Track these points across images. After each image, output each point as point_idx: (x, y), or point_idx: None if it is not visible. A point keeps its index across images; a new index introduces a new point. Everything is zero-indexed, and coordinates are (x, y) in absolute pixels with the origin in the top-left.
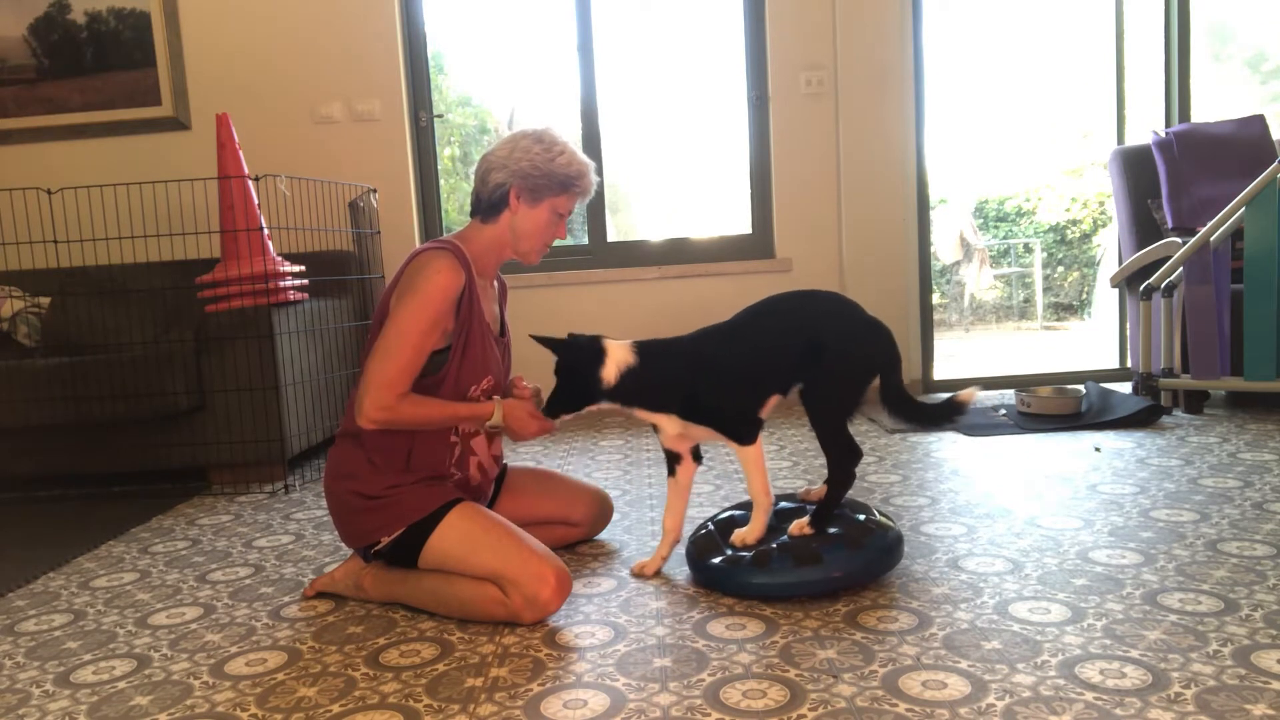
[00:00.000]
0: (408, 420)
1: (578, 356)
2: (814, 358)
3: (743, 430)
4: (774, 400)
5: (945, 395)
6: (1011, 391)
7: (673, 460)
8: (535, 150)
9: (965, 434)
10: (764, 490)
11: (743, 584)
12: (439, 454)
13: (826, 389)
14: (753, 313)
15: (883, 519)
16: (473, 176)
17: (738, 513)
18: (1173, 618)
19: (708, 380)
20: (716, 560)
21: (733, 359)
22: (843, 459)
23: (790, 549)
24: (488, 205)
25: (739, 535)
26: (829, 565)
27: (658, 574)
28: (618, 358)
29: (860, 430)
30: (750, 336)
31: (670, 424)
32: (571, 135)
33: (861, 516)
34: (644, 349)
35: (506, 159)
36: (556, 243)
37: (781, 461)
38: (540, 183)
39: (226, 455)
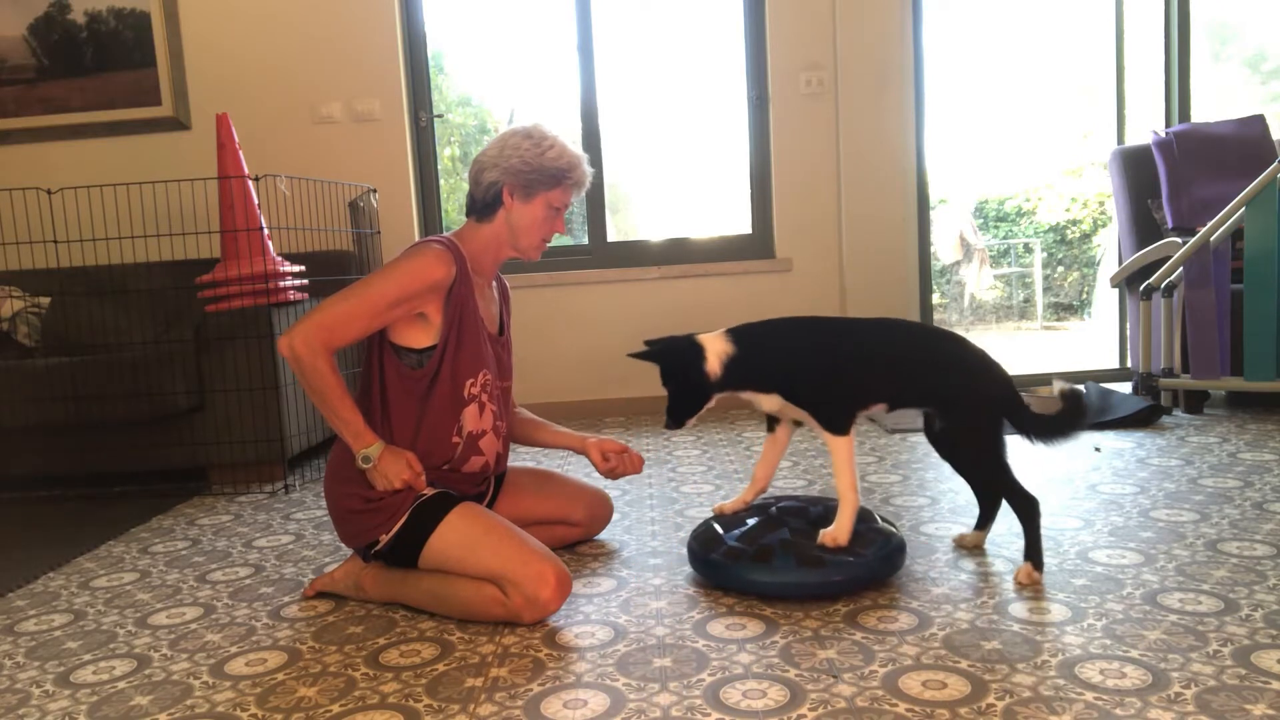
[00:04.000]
0: (311, 378)
1: (680, 359)
2: (941, 391)
3: (835, 420)
4: (880, 407)
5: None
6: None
7: (773, 421)
8: (525, 146)
9: None
10: (851, 486)
11: (744, 580)
12: (441, 453)
13: (972, 433)
14: (875, 322)
15: (885, 525)
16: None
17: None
18: (1173, 618)
19: (811, 368)
20: (715, 556)
21: (843, 354)
22: (1013, 496)
23: (793, 548)
24: (482, 205)
25: (828, 535)
26: (830, 569)
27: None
28: (717, 349)
29: (860, 430)
30: (875, 339)
31: (771, 402)
32: (572, 135)
33: (866, 525)
34: (740, 335)
35: (497, 157)
36: (557, 241)
37: (781, 461)
38: (532, 178)
39: (226, 455)
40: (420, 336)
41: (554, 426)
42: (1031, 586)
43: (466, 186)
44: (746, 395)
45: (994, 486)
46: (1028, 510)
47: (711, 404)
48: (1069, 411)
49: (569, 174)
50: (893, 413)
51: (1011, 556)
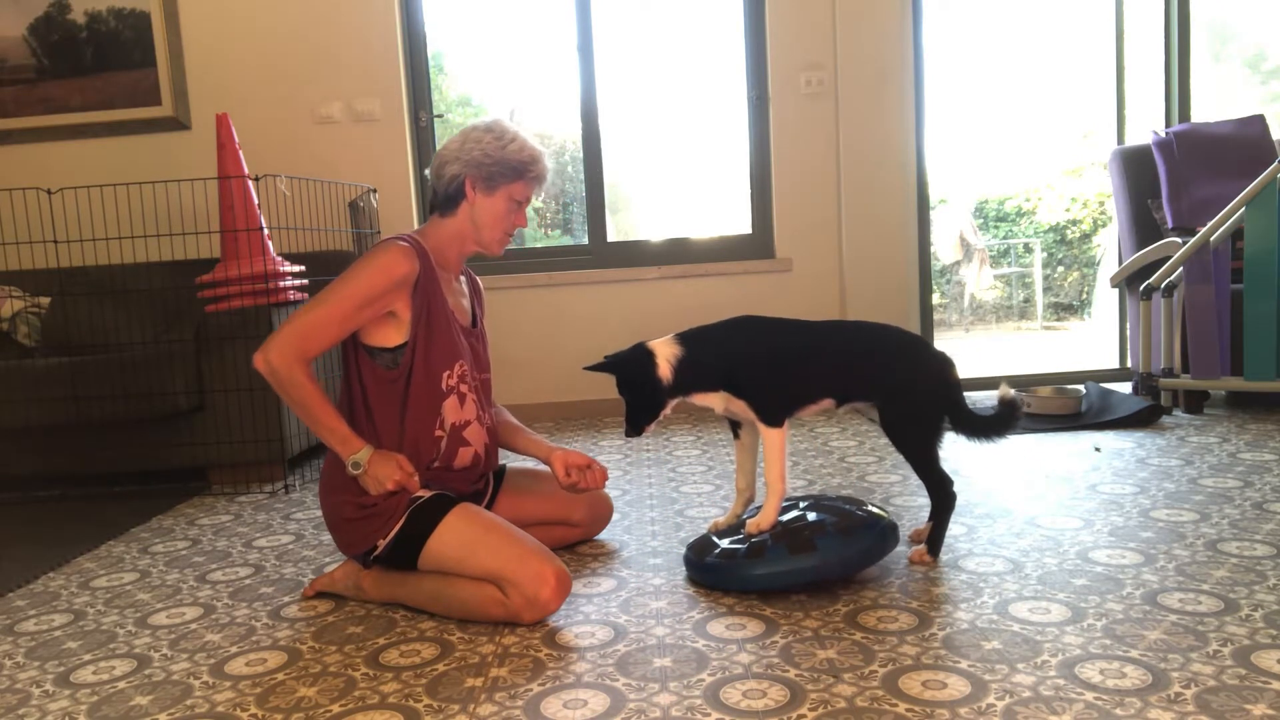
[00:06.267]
0: (291, 390)
1: (632, 367)
2: (883, 383)
3: (771, 412)
4: (827, 404)
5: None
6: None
7: (735, 425)
8: (487, 140)
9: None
10: (780, 476)
11: (743, 577)
12: (427, 449)
13: (910, 419)
14: (818, 323)
15: (875, 510)
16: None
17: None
18: (1173, 618)
19: (752, 362)
20: (711, 559)
21: (781, 348)
22: (935, 487)
23: (784, 538)
24: (445, 198)
25: (752, 523)
26: (824, 552)
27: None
28: (666, 354)
29: (861, 430)
30: (813, 336)
31: (718, 401)
32: (571, 135)
33: (854, 508)
34: (687, 338)
35: (459, 151)
36: (557, 241)
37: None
38: (494, 170)
39: (226, 455)
40: (392, 335)
41: (528, 432)
42: (922, 565)
43: None
44: (697, 398)
45: (921, 473)
46: (945, 503)
47: (668, 410)
48: (1002, 416)
49: (531, 167)
50: (843, 409)
51: (1012, 556)
